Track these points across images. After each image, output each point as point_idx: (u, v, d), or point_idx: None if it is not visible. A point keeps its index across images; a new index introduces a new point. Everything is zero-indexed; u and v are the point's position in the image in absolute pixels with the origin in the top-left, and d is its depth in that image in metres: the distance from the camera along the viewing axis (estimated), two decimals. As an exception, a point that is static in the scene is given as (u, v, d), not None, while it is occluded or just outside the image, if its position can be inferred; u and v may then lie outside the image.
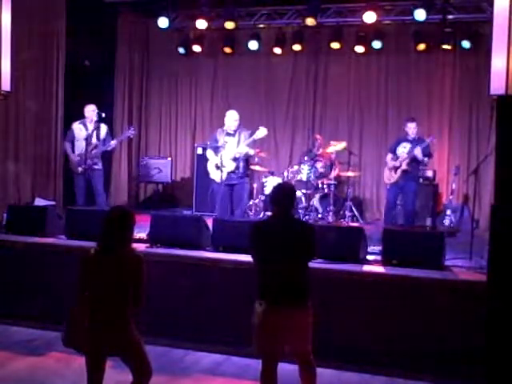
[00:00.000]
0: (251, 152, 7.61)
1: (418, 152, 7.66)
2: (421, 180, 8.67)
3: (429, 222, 8.69)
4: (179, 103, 11.30)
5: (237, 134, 7.48)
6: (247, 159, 7.65)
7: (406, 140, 7.91)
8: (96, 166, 8.00)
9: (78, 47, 9.54)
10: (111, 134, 8.57)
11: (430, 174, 9.11)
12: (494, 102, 4.70)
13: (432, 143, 8.00)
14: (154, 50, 11.17)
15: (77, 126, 8.03)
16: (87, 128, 7.98)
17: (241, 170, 7.45)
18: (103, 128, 8.11)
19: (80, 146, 7.93)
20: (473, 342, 4.46)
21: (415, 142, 7.79)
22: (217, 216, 6.92)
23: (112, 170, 10.57)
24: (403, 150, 7.84)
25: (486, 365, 3.91)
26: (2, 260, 6.26)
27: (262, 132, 7.35)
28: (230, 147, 7.43)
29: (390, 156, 8.04)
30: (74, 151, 8.00)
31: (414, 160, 7.75)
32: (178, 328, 5.60)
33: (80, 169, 7.87)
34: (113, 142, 8.16)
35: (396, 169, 7.81)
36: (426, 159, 7.89)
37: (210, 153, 7.65)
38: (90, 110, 8.01)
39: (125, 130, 9.28)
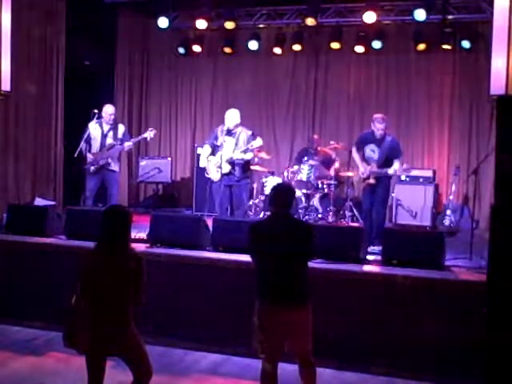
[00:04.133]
0: (248, 157, 7.51)
1: (396, 168, 7.06)
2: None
3: (429, 222, 8.68)
4: (179, 103, 11.30)
5: (236, 134, 7.43)
6: (246, 162, 7.54)
7: (373, 141, 7.20)
8: (110, 167, 7.74)
9: (77, 47, 9.55)
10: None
11: (429, 174, 9.11)
12: (494, 102, 4.69)
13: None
14: (154, 50, 11.18)
15: (92, 126, 7.75)
16: (102, 127, 7.76)
17: (237, 173, 7.36)
18: (121, 127, 7.92)
19: (95, 145, 7.73)
20: (473, 342, 4.47)
21: (382, 144, 7.11)
22: (217, 216, 6.91)
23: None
24: (371, 153, 7.20)
25: (486, 365, 3.91)
26: (2, 260, 6.27)
27: (257, 142, 7.33)
28: (227, 147, 7.39)
29: (355, 151, 7.46)
30: (90, 151, 7.69)
31: (384, 163, 7.11)
32: (178, 328, 5.60)
33: (92, 168, 7.64)
34: (127, 144, 7.87)
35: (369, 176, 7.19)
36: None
37: (206, 148, 7.56)
38: (108, 113, 7.75)
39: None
